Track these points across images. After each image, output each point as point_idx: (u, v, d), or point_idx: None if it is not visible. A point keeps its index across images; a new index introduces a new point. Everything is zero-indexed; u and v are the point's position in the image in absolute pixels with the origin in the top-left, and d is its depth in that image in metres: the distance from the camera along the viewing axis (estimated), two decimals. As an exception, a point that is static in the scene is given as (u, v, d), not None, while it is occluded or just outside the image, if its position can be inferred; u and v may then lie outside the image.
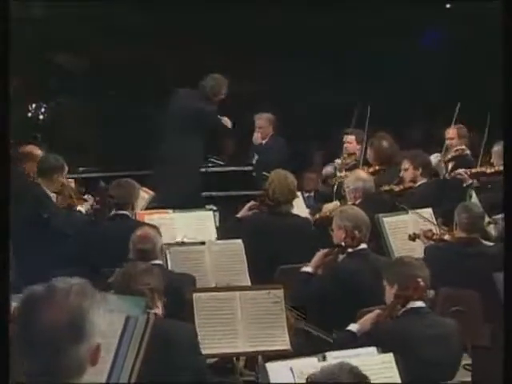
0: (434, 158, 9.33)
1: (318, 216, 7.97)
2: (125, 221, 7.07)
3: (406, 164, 8.79)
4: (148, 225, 6.55)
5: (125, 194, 7.17)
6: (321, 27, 12.48)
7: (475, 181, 8.83)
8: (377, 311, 4.99)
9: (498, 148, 8.87)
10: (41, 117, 12.43)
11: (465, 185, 8.82)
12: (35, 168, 8.59)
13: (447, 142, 9.56)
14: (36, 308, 2.39)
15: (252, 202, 7.52)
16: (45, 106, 12.39)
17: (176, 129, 9.31)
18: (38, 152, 8.76)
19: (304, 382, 4.06)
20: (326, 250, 6.25)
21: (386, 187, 8.60)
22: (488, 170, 9.03)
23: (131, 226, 6.75)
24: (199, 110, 9.25)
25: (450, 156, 9.39)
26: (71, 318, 2.39)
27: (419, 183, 8.80)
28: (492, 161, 9.12)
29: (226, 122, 9.46)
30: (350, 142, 9.56)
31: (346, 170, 9.30)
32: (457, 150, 9.41)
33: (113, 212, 7.20)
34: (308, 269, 6.20)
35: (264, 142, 10.37)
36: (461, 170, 8.97)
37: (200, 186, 9.28)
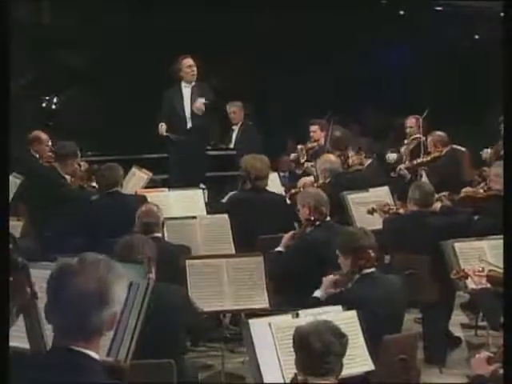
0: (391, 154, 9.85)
1: (292, 191, 8.07)
2: (117, 196, 7.09)
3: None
4: (149, 203, 6.46)
5: (114, 174, 7.14)
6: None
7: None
8: (335, 278, 5.06)
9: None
10: (53, 107, 12.45)
11: (406, 180, 9.11)
12: (45, 150, 8.68)
13: (407, 129, 10.04)
14: (69, 276, 2.42)
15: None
16: (57, 98, 12.42)
17: None
18: (44, 136, 8.85)
19: (279, 335, 4.19)
20: (292, 232, 6.36)
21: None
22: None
23: (123, 199, 6.99)
24: None
25: (410, 147, 9.81)
26: (98, 287, 2.42)
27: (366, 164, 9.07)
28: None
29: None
30: (314, 130, 10.40)
31: (311, 154, 9.95)
32: (414, 138, 9.74)
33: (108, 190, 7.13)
34: (279, 249, 6.29)
35: (237, 127, 10.58)
36: (401, 166, 9.42)
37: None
